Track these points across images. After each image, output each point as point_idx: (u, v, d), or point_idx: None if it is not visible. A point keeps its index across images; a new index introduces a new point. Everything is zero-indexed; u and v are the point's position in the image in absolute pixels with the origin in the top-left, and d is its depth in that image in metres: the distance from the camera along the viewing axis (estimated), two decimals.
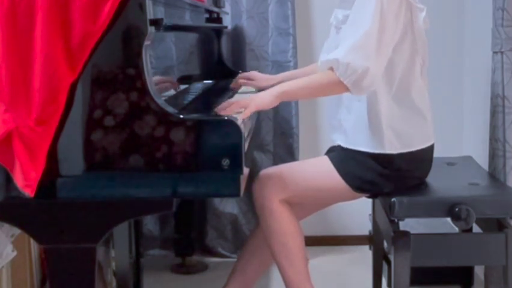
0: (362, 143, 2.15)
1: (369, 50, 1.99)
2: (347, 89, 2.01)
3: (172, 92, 2.09)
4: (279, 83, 2.23)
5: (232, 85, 2.52)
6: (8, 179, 1.56)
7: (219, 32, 2.91)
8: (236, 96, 2.36)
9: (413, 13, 2.09)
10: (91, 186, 1.60)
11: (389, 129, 2.12)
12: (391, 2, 2.02)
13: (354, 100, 2.14)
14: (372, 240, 2.65)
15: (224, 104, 1.92)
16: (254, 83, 2.47)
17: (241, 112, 1.87)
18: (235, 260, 2.38)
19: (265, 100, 1.97)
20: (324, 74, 2.04)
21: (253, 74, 2.54)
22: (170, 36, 2.15)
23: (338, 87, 2.01)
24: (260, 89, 2.35)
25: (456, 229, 2.55)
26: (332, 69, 2.01)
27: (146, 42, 1.59)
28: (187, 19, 2.41)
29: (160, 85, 1.91)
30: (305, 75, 2.21)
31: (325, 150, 2.38)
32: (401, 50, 2.09)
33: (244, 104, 1.91)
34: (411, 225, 2.30)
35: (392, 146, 2.12)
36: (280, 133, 3.18)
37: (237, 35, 3.15)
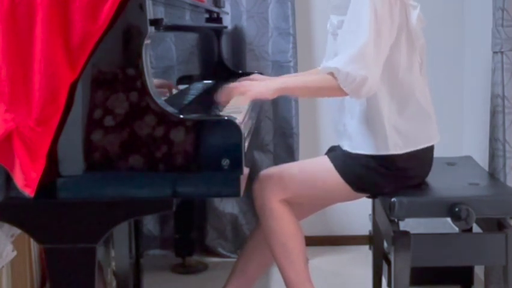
0: (367, 146, 2.14)
1: (367, 59, 2.00)
2: (345, 95, 2.04)
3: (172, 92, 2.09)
4: None
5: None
6: (8, 179, 1.56)
7: (218, 32, 2.91)
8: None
9: (407, 11, 2.09)
10: (91, 186, 1.60)
11: (392, 130, 2.12)
12: (384, 3, 2.02)
13: (356, 104, 2.14)
14: (372, 240, 2.65)
15: (223, 90, 1.92)
16: None
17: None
18: (235, 260, 2.38)
19: (264, 91, 1.98)
20: (326, 77, 2.05)
21: (256, 77, 2.53)
22: (170, 36, 2.15)
23: (337, 92, 2.03)
24: None
25: (456, 229, 2.55)
26: (332, 74, 2.02)
27: (146, 42, 1.59)
28: (187, 19, 2.41)
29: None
30: None
31: (325, 150, 2.38)
32: (399, 49, 2.09)
33: (243, 91, 1.92)
34: (411, 225, 2.31)
35: (397, 147, 2.12)
36: (280, 133, 3.18)
37: (237, 35, 3.15)
